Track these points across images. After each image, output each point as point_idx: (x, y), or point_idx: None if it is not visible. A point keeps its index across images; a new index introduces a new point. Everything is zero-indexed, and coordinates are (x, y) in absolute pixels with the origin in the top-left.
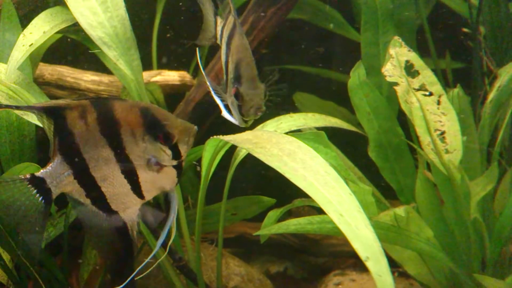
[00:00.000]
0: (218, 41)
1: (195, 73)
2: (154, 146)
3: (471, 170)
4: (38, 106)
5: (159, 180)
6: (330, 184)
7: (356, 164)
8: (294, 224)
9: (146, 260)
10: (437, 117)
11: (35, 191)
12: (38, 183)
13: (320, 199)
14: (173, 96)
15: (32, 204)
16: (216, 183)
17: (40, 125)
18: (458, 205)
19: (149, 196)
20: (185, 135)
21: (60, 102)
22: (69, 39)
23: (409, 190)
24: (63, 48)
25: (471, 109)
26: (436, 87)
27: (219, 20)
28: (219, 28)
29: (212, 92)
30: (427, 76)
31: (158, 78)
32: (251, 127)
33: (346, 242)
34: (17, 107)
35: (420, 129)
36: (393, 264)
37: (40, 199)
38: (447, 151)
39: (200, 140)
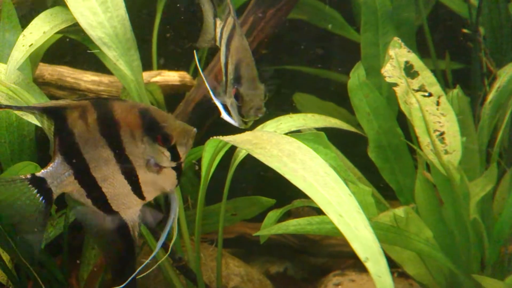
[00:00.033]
0: (217, 43)
1: (195, 74)
2: (152, 148)
3: (470, 170)
4: (38, 107)
5: (159, 181)
6: (330, 185)
7: (355, 165)
8: (293, 225)
9: (147, 261)
10: (436, 117)
11: (36, 191)
12: (39, 183)
13: (319, 200)
14: (173, 96)
15: (32, 204)
16: (216, 183)
17: (39, 125)
18: (458, 206)
19: (149, 197)
20: (184, 137)
21: (61, 102)
22: (67, 39)
23: (408, 190)
24: (63, 48)
25: (470, 109)
26: (436, 88)
27: (218, 22)
28: (218, 30)
29: (211, 94)
30: (426, 77)
31: (158, 79)
32: (251, 128)
33: (345, 243)
34: (18, 108)
35: (419, 130)
36: (393, 265)
37: (40, 199)
38: (446, 152)
39: (200, 140)
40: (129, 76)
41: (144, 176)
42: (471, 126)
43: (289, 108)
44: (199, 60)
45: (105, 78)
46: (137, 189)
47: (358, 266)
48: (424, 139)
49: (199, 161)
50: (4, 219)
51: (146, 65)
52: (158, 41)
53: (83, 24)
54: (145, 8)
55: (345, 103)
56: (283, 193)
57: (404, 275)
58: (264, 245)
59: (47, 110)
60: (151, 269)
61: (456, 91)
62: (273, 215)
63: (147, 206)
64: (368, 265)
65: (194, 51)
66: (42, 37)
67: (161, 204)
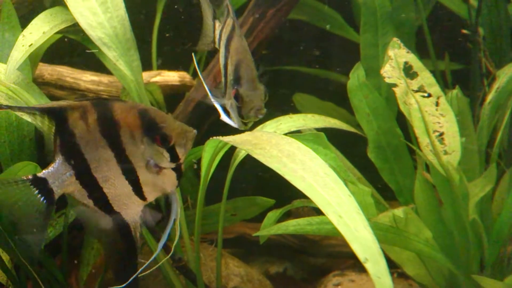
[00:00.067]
0: (217, 45)
1: (195, 74)
2: (152, 148)
3: (469, 171)
4: (40, 107)
5: (159, 182)
6: (330, 185)
7: (355, 165)
8: (293, 225)
9: (148, 261)
10: (435, 118)
11: (37, 191)
12: (40, 183)
13: (319, 200)
14: (173, 96)
15: (34, 205)
16: (216, 183)
17: (37, 125)
18: (457, 206)
19: (150, 197)
20: (183, 138)
21: (62, 103)
22: (66, 39)
23: (408, 191)
24: (62, 48)
25: (469, 110)
26: (435, 88)
27: (217, 23)
28: (217, 32)
29: (210, 95)
30: (425, 77)
31: (158, 79)
32: (251, 128)
33: (345, 243)
34: (19, 108)
35: (418, 130)
36: (392, 265)
37: (41, 199)
38: (445, 152)
39: (199, 140)
40: (129, 76)
41: (145, 177)
42: (471, 127)
43: (289, 108)
44: (199, 62)
45: (104, 78)
46: (138, 190)
47: (357, 266)
48: (423, 140)
49: (198, 161)
50: (4, 219)
51: (146, 65)
52: (158, 41)
53: (83, 24)
54: (145, 9)
55: (345, 104)
56: (283, 193)
57: (404, 275)
58: (263, 245)
59: (48, 110)
60: (151, 269)
61: (456, 91)
62: (272, 215)
63: (147, 206)
64: (368, 266)
65: (193, 54)
66: (42, 37)
67: (161, 204)
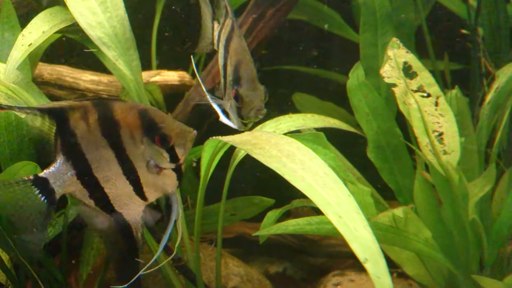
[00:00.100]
0: (215, 46)
1: (194, 73)
2: (152, 148)
3: (469, 171)
4: (40, 108)
5: (160, 182)
6: (329, 185)
7: (354, 165)
8: (293, 225)
9: (150, 262)
10: (435, 118)
11: (38, 191)
12: (42, 183)
13: (319, 200)
14: (172, 96)
15: (35, 205)
16: (215, 183)
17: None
18: (456, 206)
19: (151, 198)
20: (182, 138)
21: (63, 103)
22: (64, 38)
23: (407, 190)
24: (62, 48)
25: (469, 110)
26: (434, 88)
27: (215, 25)
28: (216, 33)
29: (208, 97)
30: (425, 77)
31: (157, 78)
32: (250, 128)
33: (345, 243)
34: (19, 109)
35: (418, 130)
36: (392, 265)
37: (42, 199)
38: (445, 152)
39: (199, 140)
40: (128, 75)
41: (145, 177)
42: (470, 127)
43: (288, 108)
44: (198, 62)
45: (104, 78)
46: (139, 190)
47: (357, 266)
48: (423, 140)
49: (198, 160)
50: (3, 218)
51: (145, 65)
52: (157, 41)
53: (83, 24)
54: (144, 8)
55: (344, 103)
56: (282, 193)
57: (403, 275)
58: (263, 245)
59: (49, 111)
60: (152, 269)
61: (455, 91)
62: (272, 215)
63: (147, 206)
64: (367, 266)
65: (192, 56)
66: (41, 37)
67: (161, 204)
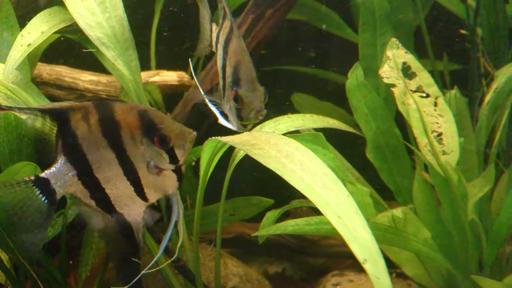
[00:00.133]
0: (213, 48)
1: (194, 72)
2: (151, 149)
3: (468, 171)
4: (41, 108)
5: (160, 183)
6: (328, 185)
7: (354, 165)
8: (292, 225)
9: (151, 263)
10: (434, 118)
11: (39, 191)
12: (42, 184)
13: (318, 201)
14: (171, 96)
15: (35, 205)
16: (215, 183)
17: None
18: (456, 207)
19: (152, 198)
20: (181, 139)
21: (63, 104)
22: (62, 38)
23: (406, 191)
24: (61, 48)
25: (468, 110)
26: (433, 88)
27: (214, 26)
28: (214, 35)
29: (206, 100)
30: (424, 77)
31: (156, 78)
32: (249, 128)
33: (344, 243)
34: (20, 109)
35: (417, 131)
36: (391, 265)
37: (43, 199)
38: (444, 153)
39: (198, 140)
40: (128, 76)
41: (146, 178)
42: (469, 127)
43: (288, 108)
44: (196, 64)
45: (103, 78)
46: (139, 191)
47: (356, 266)
48: (422, 140)
49: (197, 160)
50: (3, 219)
51: (144, 65)
52: (156, 41)
53: (82, 24)
54: (143, 8)
55: (343, 104)
56: (282, 193)
57: (403, 275)
58: (262, 245)
59: (50, 111)
60: (152, 270)
61: (454, 92)
62: (271, 215)
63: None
64: (367, 266)
65: (189, 59)
66: (40, 37)
67: (161, 205)
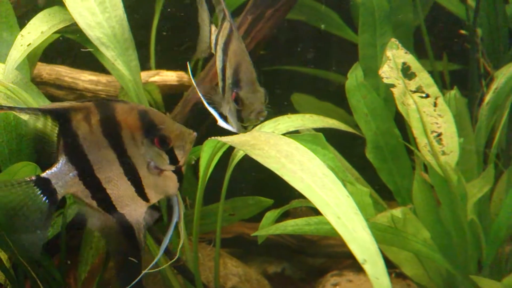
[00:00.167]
0: (213, 50)
1: (193, 74)
2: (151, 150)
3: (467, 171)
4: (43, 109)
5: (161, 183)
6: (328, 186)
7: (353, 165)
8: (291, 225)
9: (151, 265)
10: (433, 119)
11: (40, 191)
12: (44, 184)
13: (317, 201)
14: (171, 96)
15: (36, 205)
16: (214, 183)
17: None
18: (455, 207)
19: (153, 199)
20: (181, 140)
21: (65, 104)
22: (60, 37)
23: (406, 191)
24: (60, 48)
25: (468, 111)
26: (433, 89)
27: (213, 28)
28: (213, 36)
29: (205, 102)
30: (423, 78)
31: (156, 78)
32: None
33: (343, 243)
34: (21, 109)
35: (416, 131)
36: (390, 265)
37: (44, 199)
38: (443, 153)
39: (198, 140)
40: (127, 76)
41: (146, 178)
42: (469, 127)
43: (287, 108)
44: (196, 65)
45: (103, 78)
46: (141, 191)
47: (355, 266)
48: (421, 140)
49: (197, 160)
50: (2, 218)
51: (144, 65)
52: (156, 41)
53: (82, 24)
54: (143, 9)
55: (343, 104)
56: (281, 193)
57: (402, 275)
58: (262, 245)
59: (52, 112)
60: (154, 270)
61: (454, 92)
62: (271, 215)
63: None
64: (366, 267)
65: (187, 63)
66: (40, 37)
67: (161, 205)
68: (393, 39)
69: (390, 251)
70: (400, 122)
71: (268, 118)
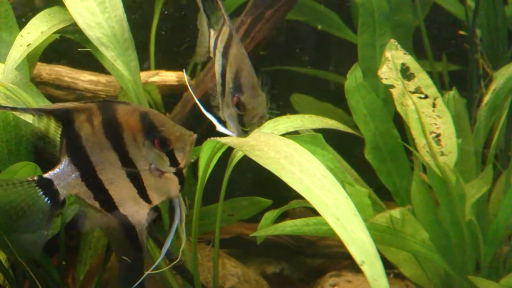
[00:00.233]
0: (211, 54)
1: (193, 74)
2: (152, 152)
3: (466, 172)
4: (47, 109)
5: (162, 185)
6: (327, 187)
7: (352, 166)
8: (290, 226)
9: (153, 266)
10: (432, 119)
11: (42, 192)
12: (46, 184)
13: (316, 202)
14: (170, 96)
15: (38, 205)
16: (213, 183)
17: (36, 126)
18: (453, 207)
19: (155, 200)
20: (182, 142)
21: (68, 105)
22: (58, 37)
23: (404, 192)
24: (60, 48)
25: (466, 111)
26: (432, 90)
27: (212, 32)
28: (212, 40)
29: (201, 108)
30: (422, 79)
31: (155, 79)
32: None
33: (342, 244)
34: (25, 110)
35: (415, 132)
36: (389, 266)
37: (46, 200)
38: (442, 154)
39: (197, 141)
40: (127, 76)
41: (148, 180)
42: (467, 128)
43: (287, 109)
44: (195, 66)
45: (102, 78)
46: (143, 193)
47: (354, 267)
48: (420, 141)
49: (196, 160)
50: (2, 218)
51: (144, 65)
52: (156, 41)
53: (81, 24)
54: (142, 9)
55: (342, 104)
56: (280, 193)
57: (400, 276)
58: (261, 246)
59: (55, 112)
60: (155, 271)
61: (452, 93)
62: (270, 215)
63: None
64: (364, 268)
65: (184, 70)
66: (40, 37)
67: (159, 206)
68: (392, 40)
69: (388, 252)
70: (399, 122)
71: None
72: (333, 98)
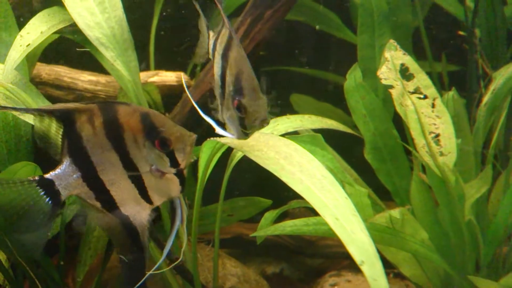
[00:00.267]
0: (210, 56)
1: (192, 74)
2: (153, 152)
3: (465, 172)
4: (48, 109)
5: (163, 186)
6: (327, 187)
7: (352, 166)
8: (290, 226)
9: (155, 267)
10: (431, 120)
11: (43, 192)
12: (47, 184)
13: (316, 202)
14: (170, 96)
15: (39, 206)
16: (213, 184)
17: (36, 125)
18: (453, 207)
19: (157, 201)
20: (182, 143)
21: (70, 105)
22: (57, 38)
23: (404, 192)
24: (60, 48)
25: (466, 111)
26: (431, 90)
27: (211, 34)
28: (211, 42)
29: (200, 111)
30: (421, 79)
31: (155, 79)
32: None
33: (341, 244)
34: (26, 110)
35: (415, 132)
36: (388, 265)
37: (47, 200)
38: (441, 154)
39: (197, 141)
40: (127, 76)
41: (149, 181)
42: (467, 128)
43: (286, 109)
44: (194, 67)
45: (102, 78)
46: (144, 193)
47: (354, 267)
48: (419, 141)
49: (196, 161)
50: (2, 218)
51: (143, 66)
52: (155, 41)
53: (81, 24)
54: (142, 9)
55: (342, 104)
56: (280, 193)
57: (400, 276)
58: (260, 246)
59: (57, 112)
60: (157, 272)
61: (452, 93)
62: (269, 215)
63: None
64: (364, 268)
65: (182, 75)
66: (40, 37)
67: (160, 206)
68: (391, 40)
69: (388, 252)
70: (399, 123)
71: None
72: (333, 98)
